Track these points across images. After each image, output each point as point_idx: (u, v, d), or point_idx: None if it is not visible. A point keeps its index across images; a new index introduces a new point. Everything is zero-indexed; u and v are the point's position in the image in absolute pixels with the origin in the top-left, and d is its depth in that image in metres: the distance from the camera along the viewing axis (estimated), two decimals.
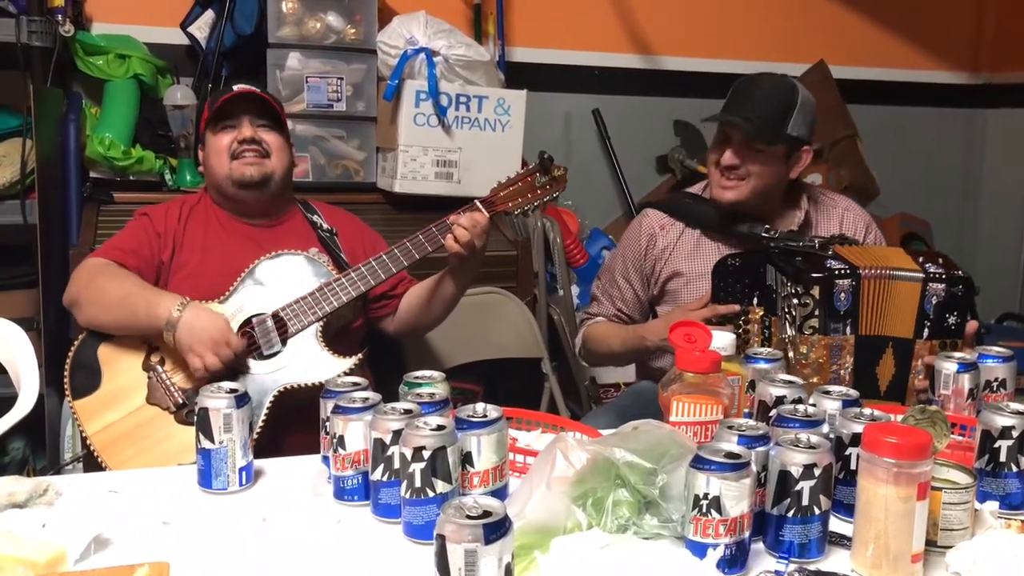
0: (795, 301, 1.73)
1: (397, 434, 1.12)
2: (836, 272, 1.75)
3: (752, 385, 1.44)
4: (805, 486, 1.06)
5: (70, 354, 1.82)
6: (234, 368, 1.76)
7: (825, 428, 1.19)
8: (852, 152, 3.68)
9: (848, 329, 1.74)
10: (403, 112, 2.66)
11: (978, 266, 4.04)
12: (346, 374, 1.77)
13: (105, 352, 1.82)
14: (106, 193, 2.58)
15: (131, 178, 2.61)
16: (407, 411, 1.17)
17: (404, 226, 1.91)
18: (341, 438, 1.21)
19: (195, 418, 1.27)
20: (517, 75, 3.10)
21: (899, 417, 1.21)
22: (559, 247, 3.00)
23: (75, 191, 2.58)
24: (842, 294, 1.74)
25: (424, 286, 2.01)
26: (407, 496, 1.10)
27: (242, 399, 1.27)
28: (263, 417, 1.74)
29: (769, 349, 1.51)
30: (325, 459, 1.31)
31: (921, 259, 1.80)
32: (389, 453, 1.14)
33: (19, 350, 1.93)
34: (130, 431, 1.75)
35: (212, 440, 1.25)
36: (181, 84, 2.74)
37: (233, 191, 1.96)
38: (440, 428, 1.09)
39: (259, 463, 1.36)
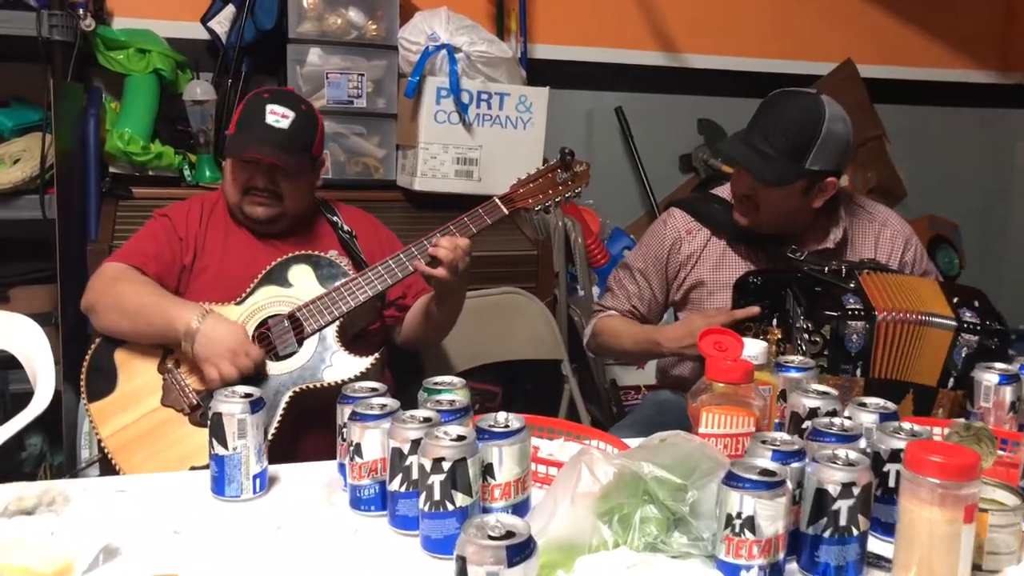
0: (806, 336, 1.66)
1: (416, 443, 1.08)
2: (850, 313, 1.67)
3: (783, 395, 1.39)
4: (843, 505, 1.01)
5: (87, 357, 1.80)
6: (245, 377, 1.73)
7: (863, 443, 1.14)
8: (879, 153, 3.62)
9: (859, 371, 1.67)
10: (424, 109, 2.63)
11: (1006, 269, 3.97)
12: (363, 374, 1.74)
13: (121, 355, 1.80)
14: (125, 188, 2.56)
15: (150, 173, 2.59)
16: (426, 419, 1.13)
17: (424, 225, 1.87)
18: (358, 446, 1.17)
19: (208, 423, 1.23)
20: (539, 72, 3.05)
21: (941, 430, 1.16)
22: (580, 247, 2.95)
23: (94, 186, 2.56)
24: (854, 336, 1.66)
25: (420, 303, 1.97)
26: (425, 509, 1.06)
27: (257, 404, 1.23)
28: (278, 418, 1.71)
29: (801, 357, 1.46)
30: (341, 466, 1.28)
31: (955, 300, 1.71)
32: (407, 463, 1.10)
33: (36, 346, 1.91)
34: (144, 433, 1.72)
35: (226, 446, 1.21)
36: (201, 79, 2.71)
37: (244, 220, 1.94)
38: (460, 439, 1.05)
39: (274, 469, 1.32)
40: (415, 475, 1.08)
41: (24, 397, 1.87)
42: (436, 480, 1.04)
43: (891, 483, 1.12)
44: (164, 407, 1.75)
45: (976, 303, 1.71)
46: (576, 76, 3.29)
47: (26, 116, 2.57)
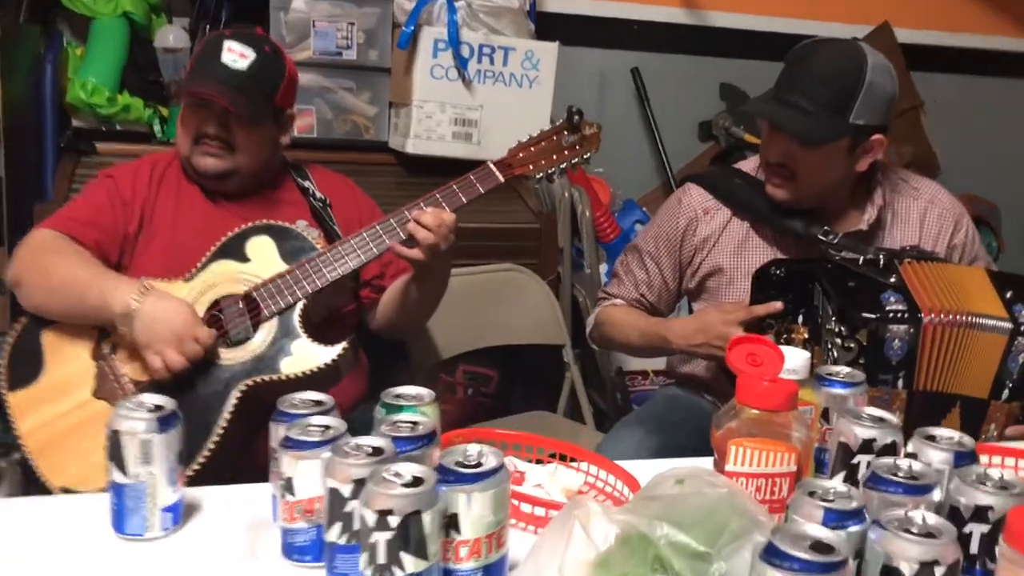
0: (838, 341, 1.42)
1: (360, 484, 0.83)
2: (892, 315, 1.43)
3: (825, 414, 1.15)
4: None
5: (10, 340, 1.57)
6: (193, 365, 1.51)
7: (937, 495, 0.89)
8: (915, 125, 3.41)
9: (900, 382, 1.43)
10: (419, 63, 2.44)
11: None
12: (330, 366, 1.52)
13: (50, 337, 1.57)
14: (87, 144, 2.38)
15: (117, 128, 2.42)
16: (376, 451, 0.87)
17: (416, 192, 1.66)
18: (289, 481, 0.92)
19: (106, 443, 0.98)
20: (549, 26, 2.84)
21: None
22: (587, 220, 2.74)
23: (51, 140, 2.39)
24: (896, 341, 1.42)
25: (397, 285, 1.74)
26: (367, 574, 0.81)
27: (168, 420, 0.97)
28: (227, 416, 1.49)
29: (848, 369, 1.20)
30: (275, 499, 1.02)
31: (1009, 295, 1.48)
32: (348, 509, 0.85)
33: None
34: (72, 429, 1.50)
35: (125, 472, 0.96)
36: (175, 25, 2.55)
37: (194, 175, 1.72)
38: (416, 483, 0.80)
39: (197, 495, 1.07)
40: (357, 526, 0.83)
41: None
42: (381, 538, 0.78)
43: (972, 549, 0.87)
44: (97, 399, 1.53)
45: None
46: (589, 32, 3.11)
47: None
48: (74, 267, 1.54)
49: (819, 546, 0.74)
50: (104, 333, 1.57)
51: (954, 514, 0.89)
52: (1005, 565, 0.75)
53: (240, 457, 1.45)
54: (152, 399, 1.00)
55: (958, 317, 1.46)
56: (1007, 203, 3.65)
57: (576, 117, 1.66)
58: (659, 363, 2.73)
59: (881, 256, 1.54)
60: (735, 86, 3.23)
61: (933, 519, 0.80)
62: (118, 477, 0.97)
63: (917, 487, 0.88)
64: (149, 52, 2.46)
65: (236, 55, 1.65)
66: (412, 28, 2.41)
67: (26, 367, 1.55)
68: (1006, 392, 1.46)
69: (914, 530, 0.78)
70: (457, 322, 2.20)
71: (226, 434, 1.48)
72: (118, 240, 1.66)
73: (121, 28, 2.44)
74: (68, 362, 1.55)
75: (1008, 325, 1.46)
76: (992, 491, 0.88)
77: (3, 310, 1.88)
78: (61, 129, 2.38)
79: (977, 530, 0.87)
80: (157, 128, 2.44)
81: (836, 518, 0.80)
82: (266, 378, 1.50)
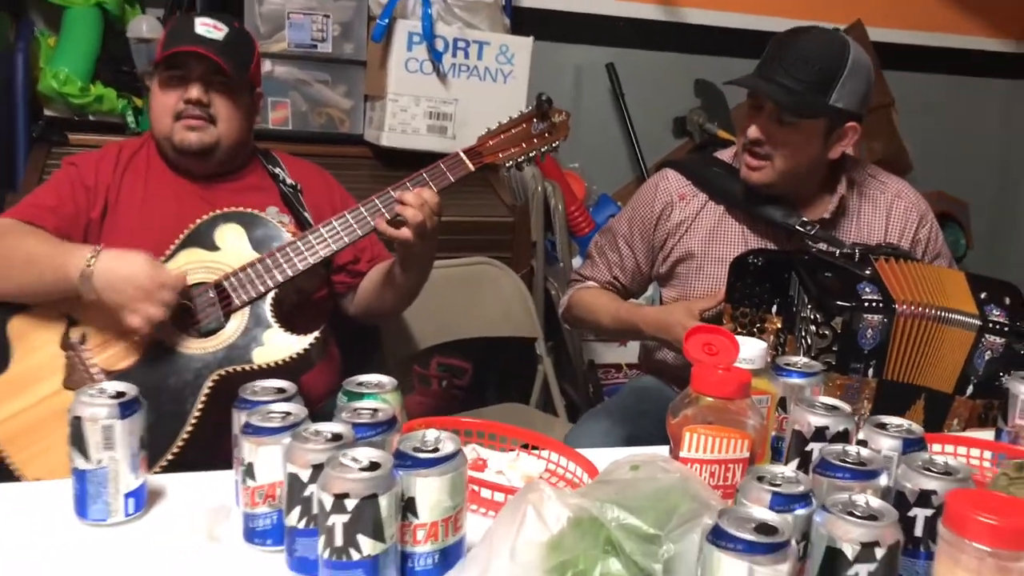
0: (813, 328, 1.45)
1: (319, 469, 0.85)
2: (867, 304, 1.46)
3: (782, 403, 1.17)
4: (862, 571, 0.78)
5: None
6: (167, 347, 1.50)
7: (883, 480, 0.91)
8: (886, 123, 3.44)
9: (871, 371, 1.46)
10: (393, 56, 2.45)
11: (1016, 251, 3.81)
12: (301, 355, 1.52)
13: (17, 326, 1.55)
14: (60, 134, 2.37)
15: (90, 118, 2.40)
16: (335, 437, 0.89)
17: (392, 184, 1.64)
18: (250, 466, 0.93)
19: (68, 429, 0.99)
20: (524, 21, 2.85)
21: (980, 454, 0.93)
22: (560, 214, 2.75)
23: (23, 131, 2.38)
24: (869, 330, 1.45)
25: (380, 269, 1.74)
26: (325, 556, 0.82)
27: (129, 406, 0.98)
28: (199, 406, 1.48)
29: (805, 360, 1.22)
30: (237, 484, 1.04)
31: (983, 295, 1.51)
32: (307, 494, 0.86)
33: None
34: (42, 420, 1.48)
35: (87, 458, 0.97)
36: (148, 15, 2.51)
37: (172, 154, 1.71)
38: (372, 467, 0.82)
39: (160, 481, 1.08)
40: (316, 510, 0.85)
41: None
42: (338, 521, 0.80)
43: (917, 532, 0.90)
44: (67, 390, 1.51)
45: (1007, 300, 1.50)
46: (565, 27, 3.12)
47: None
48: (30, 246, 1.53)
49: (764, 528, 0.76)
50: (72, 321, 1.56)
51: (900, 499, 0.91)
52: (943, 547, 0.77)
53: (213, 447, 1.44)
54: (114, 386, 1.01)
55: (930, 310, 1.48)
56: (976, 201, 3.68)
57: (545, 105, 1.65)
58: (632, 356, 2.75)
59: (857, 250, 1.57)
60: (710, 82, 3.25)
61: (876, 503, 0.82)
62: (80, 463, 0.97)
63: (864, 472, 0.90)
64: (122, 42, 2.43)
65: (210, 27, 1.67)
66: (387, 21, 2.41)
67: None
68: (970, 388, 1.49)
69: (857, 513, 0.80)
70: (431, 314, 2.20)
71: (199, 424, 1.47)
72: (81, 226, 1.64)
73: (94, 17, 2.42)
74: (36, 351, 1.54)
75: (977, 322, 1.49)
76: (936, 476, 0.90)
77: None
78: (33, 119, 2.36)
79: (921, 514, 0.90)
80: (131, 119, 2.42)
81: (783, 502, 0.83)
82: (238, 368, 1.50)
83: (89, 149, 2.19)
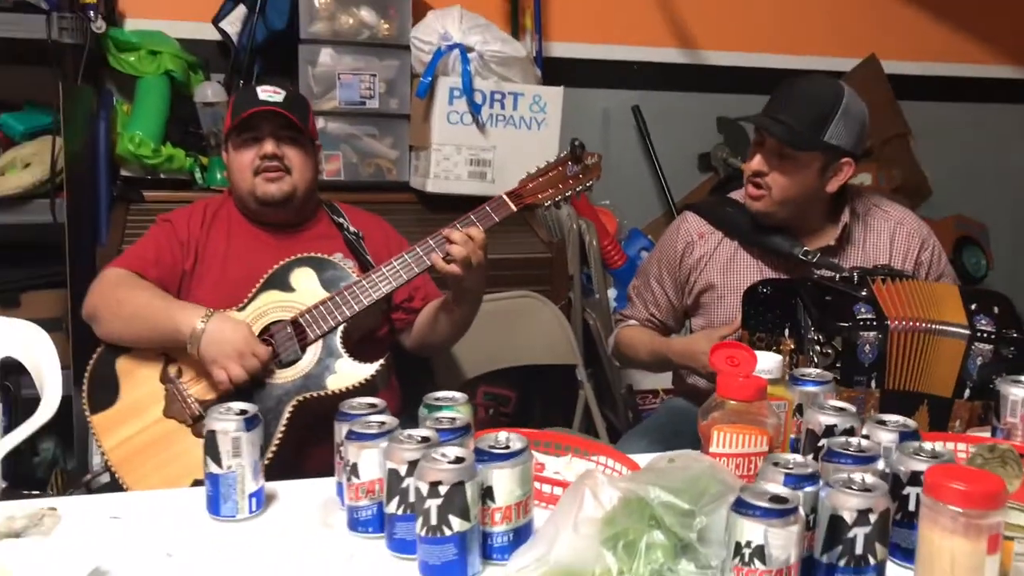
0: (818, 347, 1.60)
1: (413, 465, 1.04)
2: (862, 323, 1.61)
3: (799, 409, 1.34)
4: (859, 533, 0.96)
5: (88, 368, 1.78)
6: (253, 377, 1.70)
7: (880, 464, 1.09)
8: (903, 151, 3.55)
9: (873, 383, 1.61)
10: (436, 110, 2.61)
11: None
12: (369, 381, 1.70)
13: (123, 364, 1.77)
14: (136, 192, 2.55)
15: (161, 176, 2.58)
16: (424, 439, 1.09)
17: (437, 227, 1.82)
18: (355, 466, 1.13)
19: (203, 441, 1.20)
20: (554, 71, 3.02)
21: (966, 447, 1.10)
22: (595, 249, 2.91)
23: (105, 190, 2.55)
24: (867, 346, 1.60)
25: (433, 305, 1.93)
26: (422, 533, 1.02)
27: (252, 421, 1.19)
28: (282, 428, 1.67)
29: (818, 370, 1.40)
30: (340, 485, 1.24)
31: (974, 307, 1.65)
32: (404, 485, 1.06)
33: (42, 354, 1.89)
34: (147, 445, 1.70)
35: (220, 464, 1.18)
36: (212, 81, 2.71)
37: (256, 207, 1.91)
38: (458, 461, 1.01)
39: (272, 487, 1.29)
40: (412, 498, 1.04)
41: (35, 402, 1.86)
42: (433, 504, 1.00)
43: (911, 507, 1.07)
44: (166, 418, 1.72)
45: (996, 309, 1.64)
46: (592, 74, 3.26)
47: (37, 120, 2.55)
48: (145, 299, 1.75)
49: (777, 499, 0.94)
50: (169, 359, 1.76)
51: (896, 480, 1.09)
52: (925, 512, 0.95)
53: (292, 463, 1.64)
54: (238, 405, 1.22)
55: (920, 324, 1.63)
56: (996, 223, 3.75)
57: (579, 148, 1.81)
58: (667, 382, 2.90)
59: (855, 274, 1.73)
60: (731, 119, 3.35)
61: (870, 479, 1.00)
62: (214, 468, 1.18)
63: (863, 458, 1.08)
64: (189, 106, 2.62)
65: (271, 92, 1.88)
66: (430, 79, 2.58)
67: (104, 392, 1.75)
68: (967, 391, 1.63)
69: (854, 487, 0.98)
70: (478, 345, 2.34)
71: (281, 444, 1.67)
72: (176, 276, 1.86)
73: (163, 85, 2.62)
74: (140, 386, 1.75)
75: (966, 331, 1.63)
76: (925, 459, 1.07)
77: (64, 347, 2.07)
78: (112, 179, 2.54)
79: (913, 492, 1.07)
80: (198, 175, 2.61)
81: (794, 481, 1.00)
82: (315, 394, 1.69)
83: (162, 204, 2.40)
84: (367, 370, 1.72)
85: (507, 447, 1.06)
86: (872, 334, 1.61)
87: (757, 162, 1.86)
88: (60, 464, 2.70)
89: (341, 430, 1.20)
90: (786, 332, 1.69)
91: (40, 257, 2.56)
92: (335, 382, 1.71)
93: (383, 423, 1.15)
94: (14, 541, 1.08)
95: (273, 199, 1.87)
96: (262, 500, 1.23)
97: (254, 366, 1.66)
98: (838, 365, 1.59)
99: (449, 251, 1.72)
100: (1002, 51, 3.77)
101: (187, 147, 2.62)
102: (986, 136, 3.80)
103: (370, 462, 1.13)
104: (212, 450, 1.18)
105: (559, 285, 2.65)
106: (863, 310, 1.64)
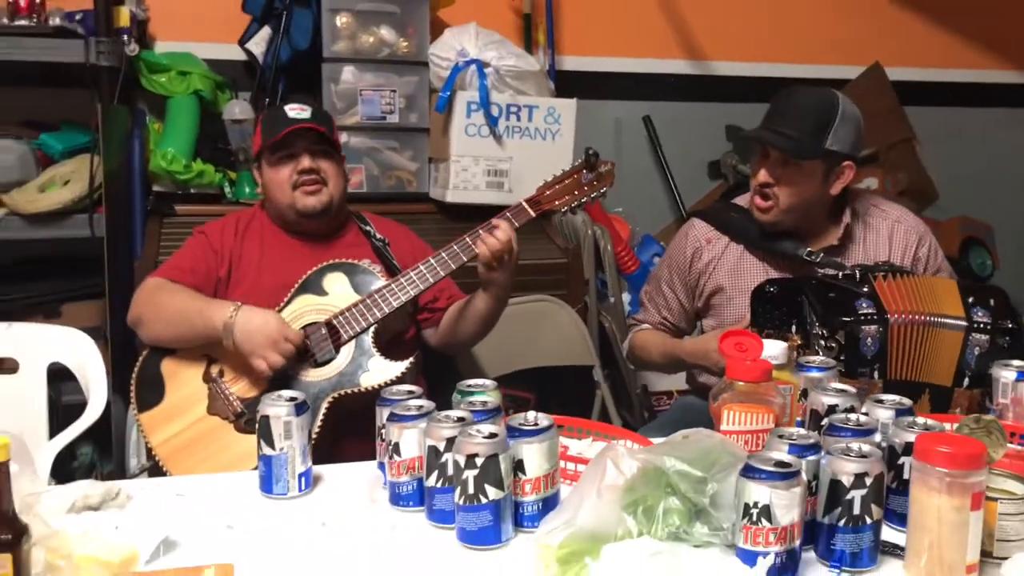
0: (823, 342, 1.69)
1: (451, 442, 1.15)
2: (863, 317, 1.70)
3: (804, 394, 1.44)
4: (856, 495, 1.06)
5: (135, 369, 1.89)
6: (290, 376, 1.80)
7: (877, 437, 1.19)
8: (909, 155, 3.62)
9: (876, 374, 1.69)
10: (455, 123, 2.70)
11: None
12: (399, 378, 1.79)
13: (168, 366, 1.88)
14: (168, 206, 2.66)
15: (192, 191, 2.68)
16: (460, 419, 1.20)
17: (457, 235, 1.93)
18: (396, 445, 1.24)
19: (256, 425, 1.31)
20: (567, 84, 3.12)
21: (954, 426, 1.20)
22: (610, 254, 2.99)
23: (139, 205, 2.66)
24: (868, 339, 1.69)
25: (457, 305, 2.02)
26: (460, 502, 1.13)
27: (301, 407, 1.31)
28: (319, 423, 1.77)
29: (821, 357, 1.50)
30: (381, 465, 1.35)
31: (971, 300, 1.74)
32: (443, 460, 1.17)
33: (89, 359, 2.01)
34: (193, 441, 1.80)
35: (273, 447, 1.29)
36: (239, 99, 2.81)
37: (295, 218, 2.00)
38: (492, 436, 1.12)
39: (317, 469, 1.40)
40: (450, 471, 1.15)
41: (75, 408, 1.97)
42: (470, 475, 1.11)
43: (906, 475, 1.17)
44: (210, 415, 1.83)
45: (992, 301, 1.72)
46: (604, 86, 3.35)
47: (75, 139, 2.66)
48: (181, 300, 1.86)
49: (781, 464, 1.04)
50: (211, 360, 1.87)
51: (892, 451, 1.19)
52: (915, 475, 1.05)
53: (328, 454, 1.73)
54: (288, 392, 1.33)
55: (920, 317, 1.72)
56: (1002, 224, 3.80)
57: (593, 157, 1.91)
58: (681, 383, 2.98)
59: (857, 271, 1.82)
60: (739, 127, 3.39)
61: (866, 447, 1.10)
62: (267, 450, 1.30)
63: (861, 431, 1.18)
64: (218, 124, 2.72)
65: (298, 110, 1.98)
66: (448, 93, 2.68)
67: (151, 392, 1.86)
68: (967, 380, 1.71)
69: (852, 454, 1.08)
70: (498, 347, 2.42)
71: (318, 438, 1.76)
72: (212, 283, 1.96)
73: (193, 104, 2.72)
74: (184, 385, 1.86)
75: (963, 323, 1.71)
76: (918, 431, 1.17)
77: (103, 355, 2.18)
78: (145, 194, 2.66)
79: (907, 461, 1.17)
80: (227, 190, 2.72)
81: (797, 450, 1.10)
82: (349, 391, 1.80)
83: (194, 218, 2.47)
84: (397, 368, 1.82)
85: (536, 424, 1.17)
86: (874, 327, 1.69)
87: (763, 175, 1.94)
88: (97, 468, 2.80)
89: (382, 414, 1.31)
90: (793, 328, 1.77)
91: (79, 270, 2.67)
92: (368, 379, 1.81)
93: (421, 406, 1.27)
94: (93, 513, 1.20)
95: (314, 210, 1.97)
96: (310, 480, 1.34)
97: (288, 350, 1.75)
98: (842, 358, 1.68)
99: (483, 241, 1.83)
100: (1004, 56, 3.84)
101: (216, 163, 2.72)
102: (990, 139, 3.87)
103: (410, 441, 1.24)
104: (265, 433, 1.30)
105: (575, 289, 2.73)
106: (865, 305, 1.72)
